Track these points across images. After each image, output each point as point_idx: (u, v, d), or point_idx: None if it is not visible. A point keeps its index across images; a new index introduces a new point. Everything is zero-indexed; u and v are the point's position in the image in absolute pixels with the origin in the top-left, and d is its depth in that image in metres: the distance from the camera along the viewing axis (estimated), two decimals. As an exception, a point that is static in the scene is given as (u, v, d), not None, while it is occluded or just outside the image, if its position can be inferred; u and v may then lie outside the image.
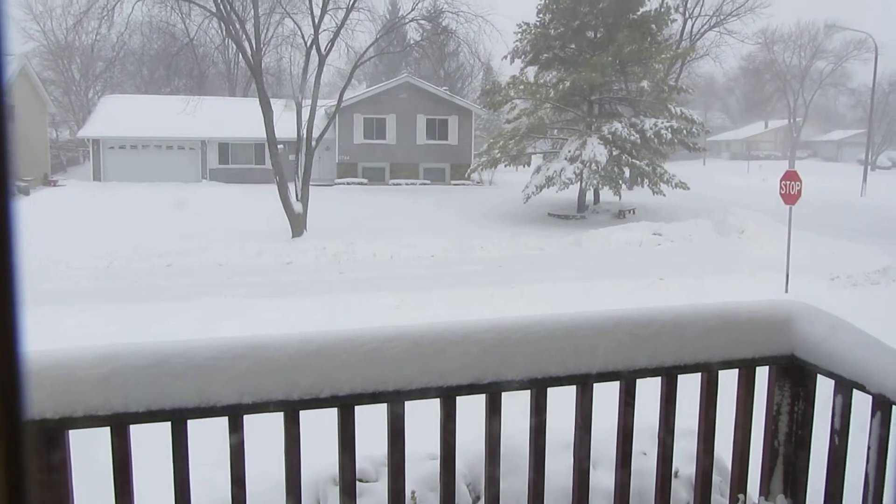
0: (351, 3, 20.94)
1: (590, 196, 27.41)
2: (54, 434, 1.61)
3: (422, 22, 24.74)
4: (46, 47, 47.20)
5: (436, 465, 2.02)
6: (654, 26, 26.25)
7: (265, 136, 20.44)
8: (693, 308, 2.13)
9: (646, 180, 24.77)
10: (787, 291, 12.13)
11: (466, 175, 31.80)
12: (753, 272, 14.27)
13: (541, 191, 24.13)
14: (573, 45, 26.60)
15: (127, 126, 33.61)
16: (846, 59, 60.08)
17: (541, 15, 26.28)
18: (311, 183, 20.98)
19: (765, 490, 2.24)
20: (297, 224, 19.89)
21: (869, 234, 20.18)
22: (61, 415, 1.58)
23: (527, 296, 12.03)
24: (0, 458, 0.54)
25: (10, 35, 0.55)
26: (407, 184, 34.55)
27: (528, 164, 27.91)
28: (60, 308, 10.33)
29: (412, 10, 22.61)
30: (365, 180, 34.59)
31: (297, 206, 20.06)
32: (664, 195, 24.58)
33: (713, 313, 2.12)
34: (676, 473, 2.79)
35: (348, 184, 33.80)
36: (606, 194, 26.93)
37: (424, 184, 34.86)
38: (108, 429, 1.65)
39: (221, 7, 19.51)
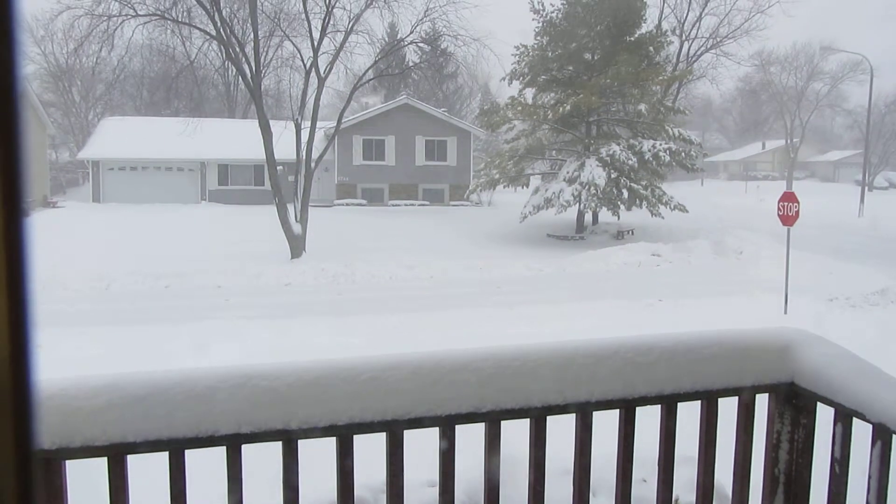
0: (350, 26, 21.14)
1: (588, 217, 27.47)
2: (52, 464, 1.60)
3: (420, 45, 24.90)
4: (47, 70, 47.51)
5: (435, 493, 2.01)
6: (651, 48, 26.49)
7: (264, 157, 20.52)
8: (692, 335, 2.13)
9: (644, 202, 24.85)
10: (785, 313, 12.12)
11: (465, 196, 31.92)
12: (752, 293, 14.26)
13: (538, 211, 24.20)
14: (571, 67, 26.80)
15: (126, 148, 33.77)
16: (842, 81, 60.51)
17: (538, 37, 26.50)
18: (310, 204, 21.03)
19: (766, 518, 2.23)
20: (296, 245, 19.90)
21: (867, 254, 20.20)
22: (59, 445, 1.58)
23: (525, 317, 12.01)
24: (11, 488, 0.54)
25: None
26: (406, 205, 34.63)
27: (527, 185, 28.01)
28: (57, 330, 10.30)
29: (411, 33, 22.79)
30: (364, 201, 34.69)
31: (297, 228, 20.08)
32: (662, 217, 24.64)
33: (713, 340, 2.12)
34: (677, 501, 2.77)
35: (347, 205, 33.89)
36: (605, 215, 27.00)
37: (423, 205, 34.95)
38: (105, 459, 1.65)
39: (221, 30, 19.66)
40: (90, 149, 34.51)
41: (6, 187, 0.52)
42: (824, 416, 2.09)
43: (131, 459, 1.67)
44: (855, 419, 1.95)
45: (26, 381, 0.54)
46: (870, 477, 1.90)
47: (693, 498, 2.24)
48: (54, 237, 21.75)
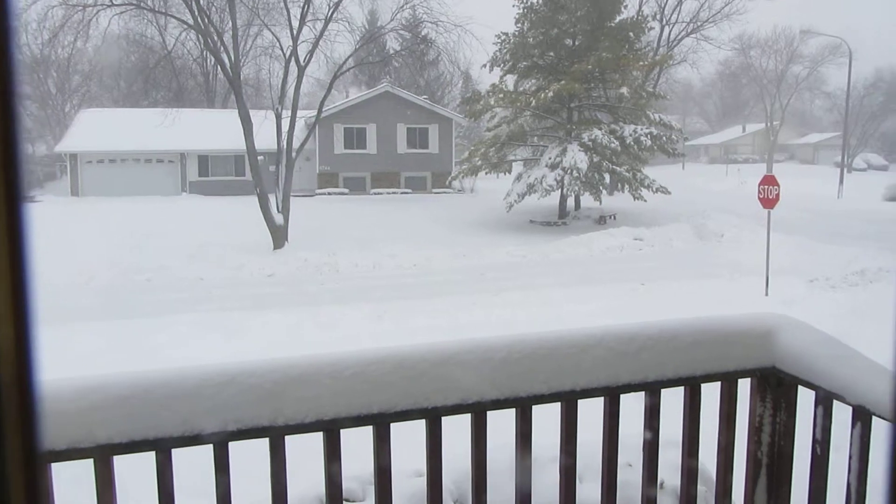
0: (329, 14, 20.96)
1: (570, 202, 27.54)
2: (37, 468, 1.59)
3: (401, 32, 24.78)
4: (21, 61, 46.60)
5: (423, 482, 2.02)
6: (631, 34, 26.50)
7: (245, 147, 20.37)
8: (675, 323, 2.15)
9: (626, 186, 24.95)
10: (766, 294, 12.26)
11: (447, 183, 31.89)
12: (733, 276, 14.40)
13: (523, 199, 24.23)
14: (552, 53, 26.77)
15: (105, 140, 33.32)
16: (821, 64, 61.02)
17: (519, 24, 26.43)
18: (291, 194, 20.92)
19: (749, 500, 2.27)
20: (279, 236, 19.81)
21: (846, 236, 20.44)
22: (43, 448, 1.57)
23: (509, 303, 12.06)
24: (20, 489, 0.53)
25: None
26: (388, 193, 34.55)
27: (509, 172, 27.99)
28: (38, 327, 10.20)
29: (391, 20, 22.71)
30: (346, 190, 34.56)
31: (278, 218, 19.99)
32: (645, 200, 24.75)
33: (696, 328, 2.14)
34: (662, 484, 2.80)
35: (329, 194, 33.74)
36: (587, 200, 27.08)
37: (406, 193, 34.89)
38: (91, 461, 1.64)
39: (199, 19, 19.44)
40: (67, 141, 34.04)
41: (7, 180, 0.52)
42: (806, 400, 2.13)
43: (118, 460, 1.67)
44: (835, 402, 1.98)
45: (30, 378, 0.53)
46: (850, 457, 1.94)
47: (678, 481, 2.27)
48: (32, 232, 21.48)
